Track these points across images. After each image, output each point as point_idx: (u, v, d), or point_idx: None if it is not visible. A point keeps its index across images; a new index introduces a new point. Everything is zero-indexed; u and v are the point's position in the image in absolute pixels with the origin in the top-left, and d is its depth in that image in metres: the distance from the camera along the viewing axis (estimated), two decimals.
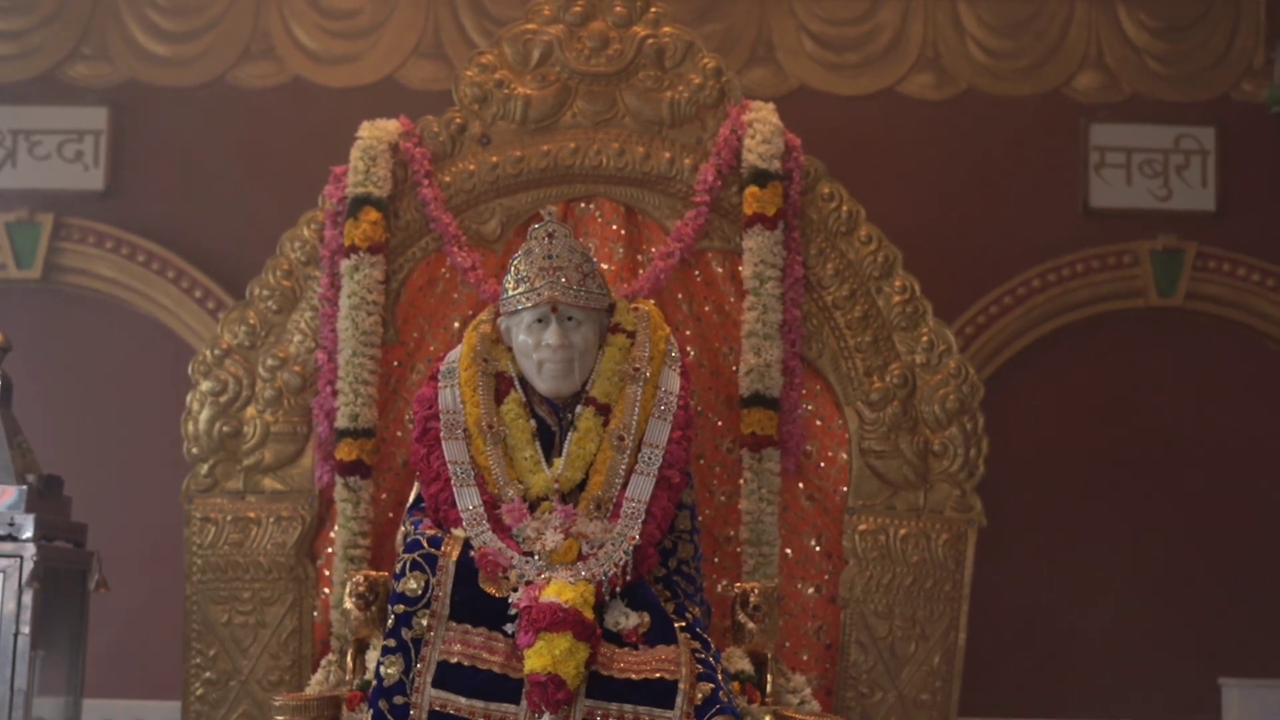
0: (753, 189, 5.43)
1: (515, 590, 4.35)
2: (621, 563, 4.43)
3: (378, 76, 6.70)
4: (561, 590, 4.29)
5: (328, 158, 5.68)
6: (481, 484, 4.56)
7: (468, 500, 4.53)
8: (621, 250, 5.55)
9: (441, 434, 4.63)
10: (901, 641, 5.44)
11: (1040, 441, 6.47)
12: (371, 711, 4.31)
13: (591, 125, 5.61)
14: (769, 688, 4.86)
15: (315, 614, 5.42)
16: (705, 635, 4.55)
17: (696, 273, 5.56)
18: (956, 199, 6.58)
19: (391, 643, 4.35)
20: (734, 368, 5.44)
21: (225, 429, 5.47)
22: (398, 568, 4.45)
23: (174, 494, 5.53)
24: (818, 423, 5.51)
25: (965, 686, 5.50)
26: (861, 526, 5.44)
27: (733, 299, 5.50)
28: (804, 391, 5.47)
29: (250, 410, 5.48)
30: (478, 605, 4.36)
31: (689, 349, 5.44)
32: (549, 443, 4.66)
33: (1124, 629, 6.41)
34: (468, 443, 4.62)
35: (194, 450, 5.49)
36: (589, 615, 4.26)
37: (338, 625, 5.26)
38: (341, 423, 5.34)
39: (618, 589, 4.43)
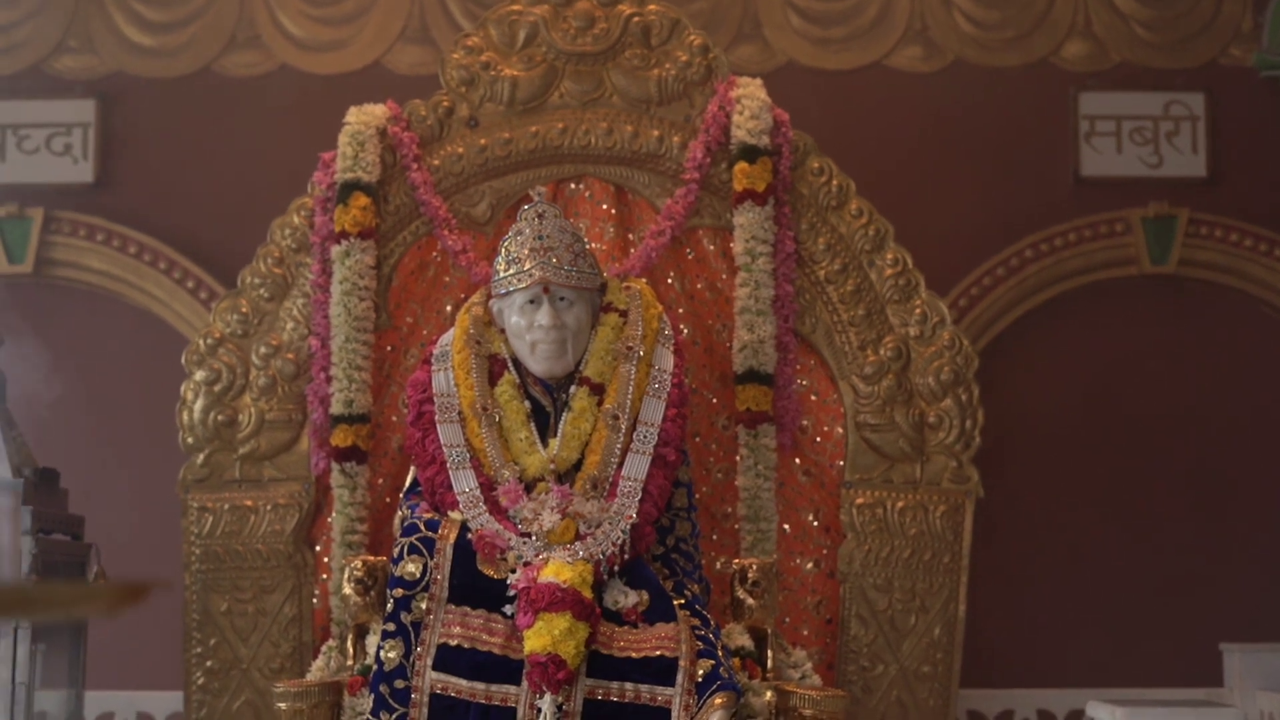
0: (742, 165, 5.43)
1: (513, 571, 4.36)
2: (619, 541, 4.43)
3: (364, 62, 6.68)
4: (560, 570, 4.29)
5: (316, 144, 5.68)
6: (477, 466, 4.56)
7: (464, 483, 4.53)
8: (612, 229, 5.54)
9: (436, 417, 4.64)
10: (901, 614, 5.44)
11: (1036, 412, 6.47)
12: (373, 696, 4.32)
13: (579, 105, 5.60)
14: (770, 663, 4.87)
15: (314, 600, 5.43)
16: (705, 612, 4.56)
17: (688, 250, 5.55)
18: (947, 171, 6.57)
19: (391, 627, 4.36)
20: (728, 344, 5.44)
21: (220, 418, 5.47)
22: (395, 552, 4.46)
23: (171, 484, 5.54)
24: (813, 398, 5.51)
25: (966, 657, 5.52)
26: (859, 500, 5.44)
27: (725, 276, 5.50)
28: (798, 367, 5.48)
29: (245, 399, 5.48)
30: (476, 587, 4.37)
31: (682, 327, 5.43)
32: (544, 424, 4.66)
33: (1124, 596, 6.41)
34: (463, 425, 4.62)
35: (189, 440, 5.49)
36: (588, 595, 4.27)
37: (337, 611, 5.27)
38: (336, 409, 5.34)
39: (616, 568, 4.43)
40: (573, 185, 5.60)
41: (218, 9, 6.68)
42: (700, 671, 4.26)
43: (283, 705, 4.58)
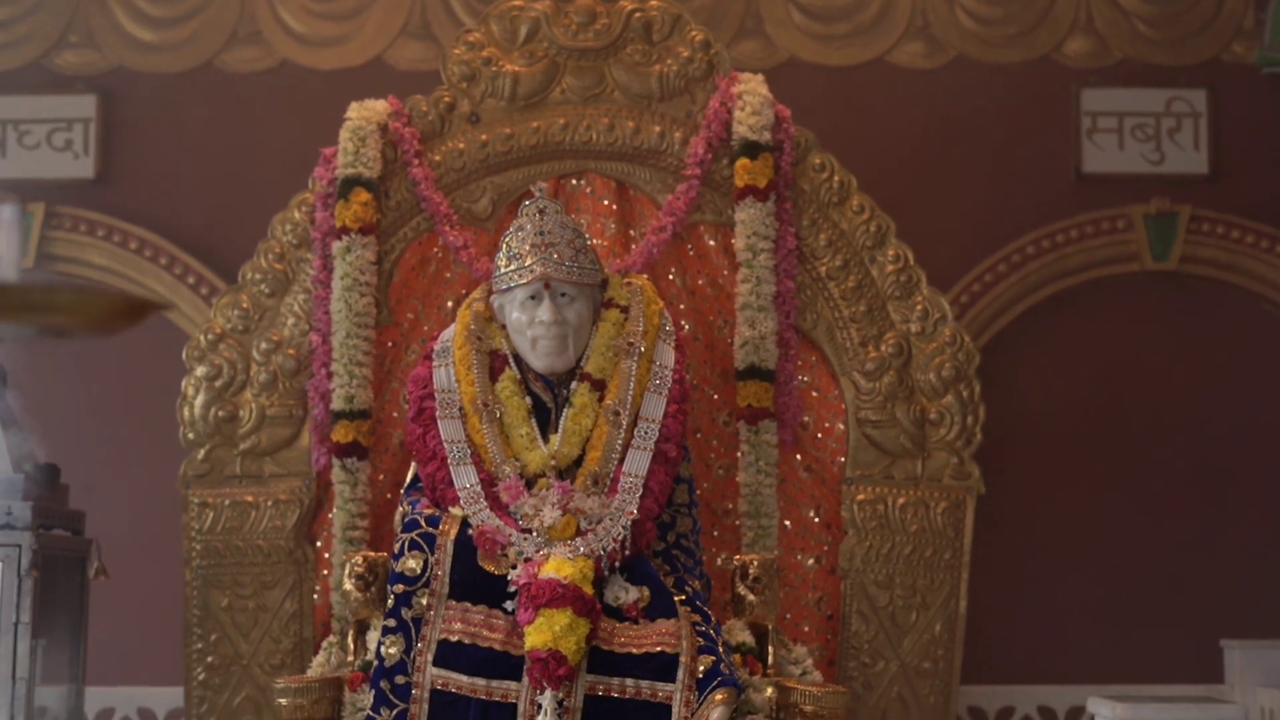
0: (743, 161, 5.42)
1: (514, 567, 4.36)
2: (620, 538, 4.44)
3: (366, 58, 6.66)
4: (560, 566, 4.29)
5: (317, 140, 5.67)
6: (478, 462, 4.56)
7: (465, 479, 4.53)
8: (613, 225, 5.54)
9: (437, 413, 4.64)
10: (902, 611, 5.44)
11: (1038, 408, 6.45)
12: (373, 691, 4.32)
13: (581, 101, 5.60)
14: (770, 659, 4.87)
15: (315, 596, 5.43)
16: (705, 608, 4.56)
17: (689, 246, 5.55)
18: (948, 167, 6.55)
19: (392, 623, 4.36)
20: (729, 341, 5.44)
21: (221, 414, 5.47)
22: (396, 548, 4.46)
23: (171, 480, 5.54)
24: (814, 394, 5.50)
25: (967, 654, 5.51)
26: (860, 496, 5.44)
27: (726, 272, 5.50)
28: (799, 363, 5.47)
29: (245, 394, 5.48)
30: (477, 583, 4.37)
31: (683, 323, 5.43)
32: (545, 420, 4.66)
33: (1125, 593, 6.40)
34: (463, 421, 4.62)
35: (190, 435, 5.49)
36: (588, 590, 4.27)
37: (338, 607, 5.26)
38: (337, 405, 5.33)
39: (617, 564, 4.43)
40: (574, 181, 5.59)
41: (219, 4, 6.67)
42: (701, 667, 4.26)
43: (283, 701, 4.58)
